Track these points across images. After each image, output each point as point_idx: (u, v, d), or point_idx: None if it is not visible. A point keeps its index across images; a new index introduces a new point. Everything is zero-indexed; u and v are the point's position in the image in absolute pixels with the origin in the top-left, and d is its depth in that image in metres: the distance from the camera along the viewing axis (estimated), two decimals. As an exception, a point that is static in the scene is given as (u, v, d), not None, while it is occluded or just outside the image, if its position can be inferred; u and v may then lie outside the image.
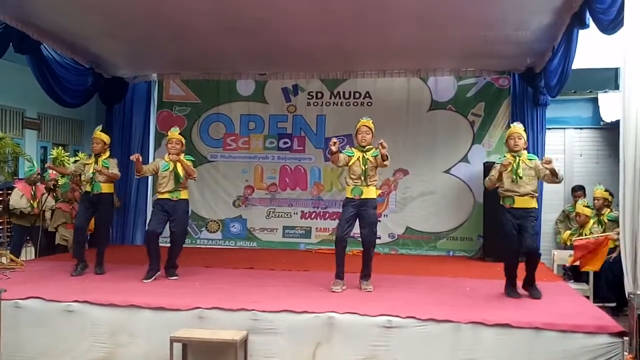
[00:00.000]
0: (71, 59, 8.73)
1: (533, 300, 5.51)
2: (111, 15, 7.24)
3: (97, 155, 6.76)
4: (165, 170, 6.51)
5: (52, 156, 9.29)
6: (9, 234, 9.05)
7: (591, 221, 7.66)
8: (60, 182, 8.65)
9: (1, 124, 9.92)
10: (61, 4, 6.36)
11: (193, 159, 6.94)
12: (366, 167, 5.96)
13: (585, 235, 7.55)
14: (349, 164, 6.03)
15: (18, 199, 8.22)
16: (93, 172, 6.68)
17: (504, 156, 5.82)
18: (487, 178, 6.00)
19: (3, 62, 7.35)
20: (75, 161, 8.23)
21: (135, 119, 10.20)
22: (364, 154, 6.00)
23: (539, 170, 5.61)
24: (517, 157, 5.67)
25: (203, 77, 10.11)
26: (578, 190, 8.85)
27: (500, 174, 5.69)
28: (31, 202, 8.19)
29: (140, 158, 6.51)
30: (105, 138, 6.86)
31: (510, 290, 5.70)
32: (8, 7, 6.85)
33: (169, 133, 6.75)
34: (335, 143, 5.87)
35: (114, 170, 6.80)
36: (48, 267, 7.08)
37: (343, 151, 6.19)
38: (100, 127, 6.96)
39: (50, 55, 8.16)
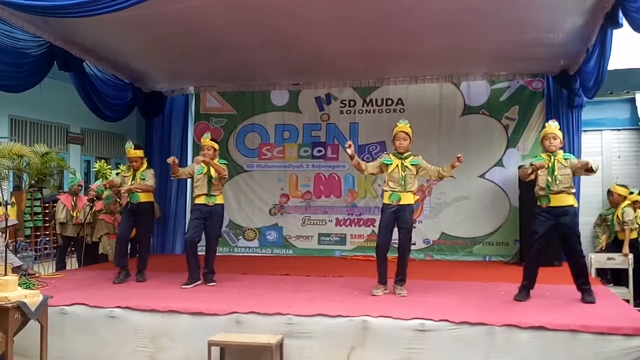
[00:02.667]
0: (112, 74, 9.04)
1: (569, 302, 5.45)
2: (150, 33, 7.50)
3: (136, 170, 7.00)
4: (199, 174, 6.70)
5: (94, 169, 9.64)
6: (55, 244, 9.41)
7: (625, 202, 7.59)
8: (104, 195, 8.93)
9: (47, 139, 10.33)
10: (103, 23, 6.60)
11: (227, 162, 7.10)
12: (405, 174, 5.99)
13: (618, 216, 7.53)
14: (389, 172, 6.04)
15: (60, 210, 8.58)
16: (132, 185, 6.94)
17: (540, 156, 5.79)
18: (523, 167, 5.95)
19: (48, 80, 7.65)
20: (117, 174, 8.51)
21: (173, 132, 10.48)
22: (403, 161, 6.03)
23: (575, 168, 5.57)
24: (553, 157, 5.62)
25: (238, 88, 10.33)
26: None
27: (536, 173, 5.65)
28: (71, 212, 8.50)
29: (177, 160, 6.78)
30: (140, 153, 7.08)
31: (518, 292, 5.65)
32: (52, 27, 7.16)
33: (202, 140, 6.98)
34: (350, 145, 5.94)
35: (149, 181, 6.99)
36: (91, 275, 7.34)
37: (381, 159, 6.22)
38: (131, 145, 7.08)
39: (92, 71, 8.47)
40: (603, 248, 8.08)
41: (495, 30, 7.31)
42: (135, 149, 7.06)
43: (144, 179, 6.96)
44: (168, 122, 10.52)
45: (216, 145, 6.89)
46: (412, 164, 6.04)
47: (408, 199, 6.04)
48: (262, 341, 4.73)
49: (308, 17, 6.91)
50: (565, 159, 5.66)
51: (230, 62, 8.81)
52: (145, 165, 7.11)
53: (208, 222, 6.70)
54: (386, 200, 6.09)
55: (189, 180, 9.29)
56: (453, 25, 7.14)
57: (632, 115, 9.45)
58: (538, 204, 5.73)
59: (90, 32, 7.45)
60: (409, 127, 6.11)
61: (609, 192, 8.49)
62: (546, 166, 5.60)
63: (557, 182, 5.52)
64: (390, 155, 6.18)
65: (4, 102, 8.81)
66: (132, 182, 6.96)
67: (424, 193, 9.54)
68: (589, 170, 5.48)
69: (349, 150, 5.94)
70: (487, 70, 9.34)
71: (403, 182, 5.98)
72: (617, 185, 7.97)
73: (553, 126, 5.75)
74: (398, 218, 6.03)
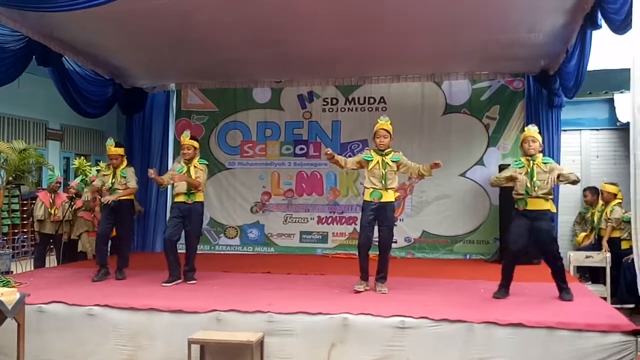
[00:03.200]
0: (92, 70, 8.93)
1: (547, 300, 5.52)
2: (130, 29, 7.42)
3: (116, 168, 6.94)
4: (180, 173, 6.64)
5: (74, 166, 9.53)
6: (33, 242, 9.30)
7: (616, 200, 7.68)
8: (83, 192, 8.84)
9: (25, 135, 10.20)
10: (82, 18, 6.52)
11: (207, 163, 7.00)
12: (385, 171, 6.01)
13: (606, 213, 7.63)
14: (369, 168, 6.05)
15: (38, 207, 8.48)
16: (112, 183, 6.88)
17: (519, 160, 5.83)
18: (494, 176, 6.08)
19: (26, 75, 7.55)
20: (97, 171, 8.43)
21: (154, 128, 10.39)
22: (384, 158, 6.05)
23: (557, 177, 5.61)
24: (532, 161, 5.66)
25: (220, 85, 10.28)
26: (585, 191, 8.80)
27: (513, 178, 5.70)
28: (49, 210, 8.40)
29: (155, 172, 6.64)
30: (121, 151, 7.01)
31: (497, 290, 5.70)
32: (30, 21, 7.05)
33: (181, 138, 6.92)
34: (327, 152, 5.96)
35: (132, 183, 6.95)
36: (70, 273, 7.26)
37: (362, 155, 6.22)
38: (112, 142, 6.99)
39: (72, 67, 8.36)
40: (586, 244, 8.16)
41: (477, 30, 7.35)
42: (116, 146, 6.98)
43: (124, 177, 6.91)
44: (149, 119, 10.43)
45: (196, 144, 6.83)
46: (392, 161, 6.06)
47: (389, 196, 6.05)
48: (242, 339, 4.71)
49: (292, 14, 6.89)
50: (545, 163, 5.69)
51: (212, 59, 8.75)
52: (125, 163, 7.05)
53: (187, 221, 6.65)
54: (367, 198, 6.09)
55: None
56: (436, 25, 7.19)
57: (611, 116, 9.58)
58: (515, 206, 5.79)
59: (70, 27, 7.35)
60: (390, 124, 6.13)
61: (587, 191, 8.61)
62: (525, 172, 5.64)
63: (536, 187, 5.57)
64: (371, 151, 6.18)
65: (-19, 97, 8.69)
66: (113, 180, 6.89)
67: (405, 191, 9.58)
68: (573, 183, 5.59)
69: (328, 154, 5.94)
70: (469, 70, 9.41)
71: (384, 179, 5.99)
72: (606, 183, 8.06)
73: (532, 130, 5.78)
74: (379, 216, 6.04)
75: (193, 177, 6.61)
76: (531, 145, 5.70)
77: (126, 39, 7.96)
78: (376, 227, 6.11)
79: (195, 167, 6.68)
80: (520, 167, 5.71)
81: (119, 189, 6.88)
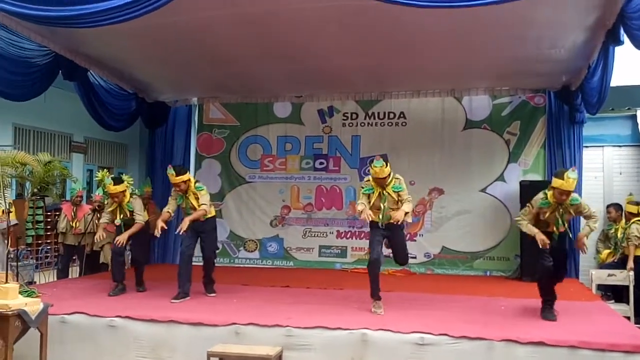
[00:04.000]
0: (116, 85, 9.10)
1: (569, 318, 5.45)
2: (155, 44, 7.57)
3: (120, 203, 6.75)
4: (181, 203, 6.60)
5: (97, 178, 9.66)
6: (57, 253, 9.43)
7: (636, 218, 7.60)
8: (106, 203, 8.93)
9: (50, 148, 10.36)
10: (108, 34, 6.67)
11: (203, 188, 6.68)
12: (385, 204, 5.86)
13: (627, 232, 7.54)
14: (370, 200, 5.89)
15: (61, 219, 8.61)
16: (121, 219, 6.76)
17: (547, 200, 5.50)
18: (524, 223, 5.71)
19: (52, 89, 7.72)
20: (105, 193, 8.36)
21: (176, 142, 10.53)
22: (384, 190, 5.89)
23: (583, 211, 5.57)
24: (560, 207, 5.48)
25: (241, 100, 10.39)
26: (609, 207, 8.67)
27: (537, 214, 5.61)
28: (71, 222, 8.51)
29: (163, 225, 6.45)
30: (121, 187, 6.69)
31: (548, 311, 5.58)
32: (58, 37, 7.23)
33: (169, 176, 6.56)
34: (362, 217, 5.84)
35: (139, 217, 6.76)
36: (92, 284, 7.35)
37: (362, 189, 6.05)
38: (110, 181, 6.71)
39: (97, 81, 8.53)
40: (609, 262, 8.05)
41: (498, 46, 7.36)
42: (115, 184, 6.66)
43: (131, 211, 6.75)
44: (171, 133, 10.57)
45: (186, 177, 6.50)
46: (394, 191, 5.89)
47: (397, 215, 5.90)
48: (261, 353, 4.73)
49: (313, 30, 6.98)
50: (572, 204, 5.49)
51: (234, 74, 8.87)
52: (128, 197, 6.79)
53: (202, 236, 6.69)
54: (375, 219, 5.95)
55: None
56: (456, 41, 7.20)
57: (634, 132, 9.48)
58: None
59: (96, 42, 7.52)
60: (383, 167, 5.78)
61: (611, 207, 8.51)
62: (552, 211, 5.51)
63: (563, 225, 5.54)
64: (371, 180, 5.96)
65: (9, 110, 8.85)
66: (122, 216, 6.75)
67: (425, 207, 9.55)
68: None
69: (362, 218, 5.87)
70: (489, 85, 9.39)
71: (382, 213, 5.87)
72: (630, 203, 7.98)
73: (572, 179, 5.29)
74: (391, 236, 6.02)
75: (195, 205, 6.49)
76: (561, 197, 5.37)
77: (149, 54, 8.12)
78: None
79: (193, 194, 6.55)
80: (546, 207, 5.53)
81: (129, 220, 6.79)
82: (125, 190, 6.76)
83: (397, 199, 5.89)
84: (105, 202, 7.58)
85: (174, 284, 6.96)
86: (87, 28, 6.25)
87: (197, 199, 6.52)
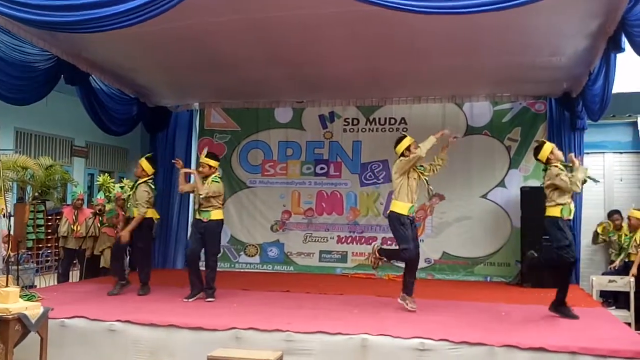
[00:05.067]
0: (117, 89, 9.12)
1: (570, 324, 5.45)
2: (157, 49, 7.59)
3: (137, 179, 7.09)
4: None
5: (98, 182, 9.69)
6: (57, 257, 9.44)
7: None
8: (107, 208, 8.96)
9: (52, 152, 10.40)
10: (110, 39, 6.69)
11: (218, 181, 6.86)
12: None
13: (636, 240, 7.53)
14: (409, 182, 6.21)
15: (62, 223, 8.63)
16: (128, 200, 7.05)
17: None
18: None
19: (54, 93, 7.73)
20: (121, 187, 8.57)
21: (177, 147, 10.52)
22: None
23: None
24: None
25: (242, 105, 10.40)
26: (614, 215, 8.69)
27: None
28: (72, 226, 8.52)
29: (181, 163, 6.98)
30: (145, 165, 7.11)
31: (568, 309, 5.73)
32: (60, 42, 7.24)
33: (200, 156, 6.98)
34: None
35: (142, 207, 6.92)
36: (92, 288, 7.34)
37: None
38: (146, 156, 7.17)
39: (98, 86, 8.54)
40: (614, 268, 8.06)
41: (499, 52, 7.38)
42: (147, 159, 7.16)
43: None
44: (172, 137, 10.58)
45: (212, 162, 6.84)
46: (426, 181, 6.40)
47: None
48: (261, 357, 4.69)
49: (315, 36, 6.99)
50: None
51: (235, 79, 8.88)
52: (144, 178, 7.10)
53: (205, 239, 6.72)
54: (406, 212, 6.16)
55: (191, 195, 9.29)
56: (457, 47, 7.21)
57: (634, 139, 9.50)
58: (552, 215, 5.78)
59: (98, 47, 7.53)
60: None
61: (617, 214, 8.52)
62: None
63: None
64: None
65: (10, 114, 8.90)
66: (130, 197, 7.07)
67: (425, 212, 9.54)
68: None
69: None
70: (490, 92, 9.41)
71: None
72: (635, 209, 7.98)
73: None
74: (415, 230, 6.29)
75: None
76: None
77: (151, 59, 8.14)
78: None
79: (210, 181, 6.74)
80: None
81: (136, 206, 6.96)
82: (146, 171, 7.08)
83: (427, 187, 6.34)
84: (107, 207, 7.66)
85: (174, 289, 6.99)
86: (89, 33, 6.27)
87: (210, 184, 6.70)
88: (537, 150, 6.11)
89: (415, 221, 6.21)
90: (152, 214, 7.14)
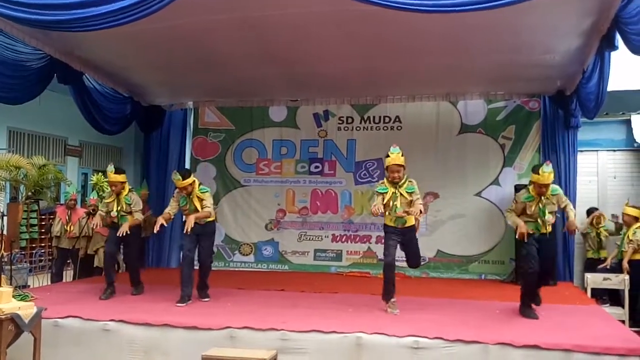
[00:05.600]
0: (111, 88, 9.08)
1: (564, 322, 5.46)
2: (150, 48, 7.56)
3: (118, 194, 6.83)
4: (184, 205, 6.59)
5: (92, 182, 9.64)
6: (51, 257, 9.39)
7: (637, 223, 7.61)
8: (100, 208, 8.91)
9: (45, 151, 10.34)
10: (102, 37, 6.65)
11: (207, 190, 6.74)
12: (397, 203, 5.93)
13: (628, 236, 7.55)
14: (385, 201, 5.94)
15: (55, 223, 8.58)
16: (118, 211, 6.80)
17: (530, 194, 5.78)
18: (510, 214, 5.93)
19: (47, 92, 7.69)
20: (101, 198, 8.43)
21: (171, 146, 10.50)
22: (398, 190, 5.96)
23: (561, 202, 5.76)
24: (542, 199, 5.70)
25: (237, 104, 10.39)
26: (593, 212, 8.70)
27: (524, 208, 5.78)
28: (65, 225, 8.48)
29: (163, 222, 6.47)
30: (122, 178, 6.83)
31: (530, 310, 5.73)
32: (53, 40, 7.21)
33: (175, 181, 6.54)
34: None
35: (137, 213, 6.83)
36: (86, 288, 7.31)
37: (377, 187, 6.19)
38: (112, 168, 6.84)
39: (92, 85, 8.49)
40: (603, 266, 8.07)
41: (493, 50, 7.39)
42: (116, 172, 6.80)
43: (129, 204, 6.81)
44: (166, 136, 10.55)
45: (191, 180, 6.47)
46: (407, 192, 5.97)
47: (411, 220, 6.05)
48: (255, 356, 4.69)
49: (309, 34, 6.99)
50: (553, 194, 5.73)
51: (229, 78, 8.87)
52: (127, 189, 6.91)
53: (200, 239, 6.65)
54: (390, 223, 6.07)
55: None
56: (451, 46, 7.23)
57: (628, 136, 9.53)
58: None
59: (91, 46, 7.50)
60: (401, 155, 5.98)
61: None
62: (535, 204, 5.71)
63: (547, 222, 5.73)
64: (385, 182, 6.08)
65: (3, 113, 8.84)
66: (119, 208, 6.79)
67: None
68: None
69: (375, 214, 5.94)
70: (484, 90, 9.43)
71: (394, 209, 5.95)
72: (629, 206, 8.00)
73: (547, 173, 5.58)
74: (406, 242, 6.11)
75: (198, 206, 6.49)
76: (543, 191, 5.66)
77: (145, 58, 8.11)
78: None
79: (197, 197, 6.54)
80: (530, 201, 5.75)
81: (125, 215, 6.82)
82: (125, 183, 6.89)
83: (409, 200, 5.94)
84: (102, 200, 7.59)
85: (168, 288, 6.97)
86: (82, 32, 6.24)
87: (201, 200, 6.54)
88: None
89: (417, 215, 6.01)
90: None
